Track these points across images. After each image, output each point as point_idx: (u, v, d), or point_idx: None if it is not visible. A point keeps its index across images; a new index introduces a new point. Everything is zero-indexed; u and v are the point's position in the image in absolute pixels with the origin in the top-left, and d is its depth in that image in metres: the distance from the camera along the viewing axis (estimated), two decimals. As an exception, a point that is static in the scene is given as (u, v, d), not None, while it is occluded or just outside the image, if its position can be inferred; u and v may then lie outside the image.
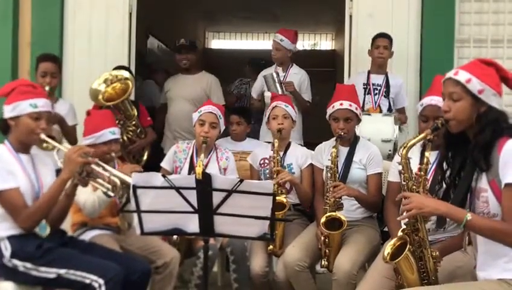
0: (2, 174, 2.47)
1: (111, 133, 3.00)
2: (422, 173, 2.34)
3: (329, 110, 3.11)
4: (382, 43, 4.16)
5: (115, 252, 2.74)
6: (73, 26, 4.61)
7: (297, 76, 4.51)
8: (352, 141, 3.15)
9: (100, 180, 2.56)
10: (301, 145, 3.83)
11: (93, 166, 2.53)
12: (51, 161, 2.71)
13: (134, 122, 4.01)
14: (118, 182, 2.51)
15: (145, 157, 4.20)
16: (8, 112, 2.56)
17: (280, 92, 4.14)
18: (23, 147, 2.60)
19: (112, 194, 2.53)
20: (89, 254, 2.56)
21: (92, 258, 2.52)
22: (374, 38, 4.19)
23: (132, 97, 4.15)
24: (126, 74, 3.88)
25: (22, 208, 2.48)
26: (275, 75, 4.25)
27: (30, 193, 2.53)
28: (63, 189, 2.53)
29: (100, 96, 3.72)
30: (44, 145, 2.66)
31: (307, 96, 4.52)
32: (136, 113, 4.00)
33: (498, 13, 4.54)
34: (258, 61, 5.70)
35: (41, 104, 2.58)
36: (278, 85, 4.22)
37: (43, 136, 2.56)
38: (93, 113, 3.18)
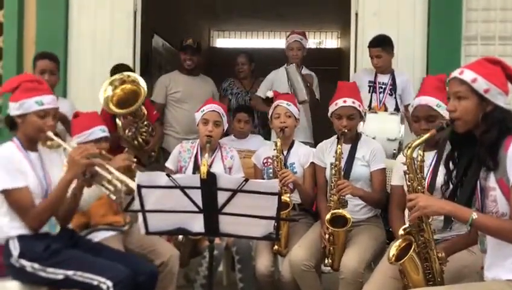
0: (12, 172, 2.45)
1: (101, 130, 3.01)
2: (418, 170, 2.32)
3: (332, 108, 3.08)
4: (373, 53, 4.07)
5: (123, 254, 2.73)
6: (78, 26, 4.61)
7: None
8: (354, 138, 3.13)
9: (105, 183, 2.54)
10: (311, 144, 3.80)
11: (97, 168, 2.50)
12: (59, 157, 2.69)
13: (145, 123, 3.97)
14: (118, 185, 2.47)
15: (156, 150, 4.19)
16: (15, 109, 2.53)
17: (302, 84, 4.11)
18: (31, 144, 2.58)
19: (113, 197, 2.51)
20: (97, 255, 2.54)
21: (100, 260, 2.50)
22: (368, 47, 4.13)
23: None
24: (137, 77, 3.80)
25: (29, 207, 2.46)
26: (294, 66, 4.25)
27: (39, 191, 2.51)
28: (68, 189, 2.51)
29: (111, 105, 3.66)
30: (49, 143, 2.64)
31: (316, 96, 4.59)
32: (146, 112, 3.97)
33: (506, 10, 4.49)
34: None
35: (48, 101, 2.55)
36: (299, 77, 4.20)
37: (50, 133, 2.52)
38: (80, 114, 3.16)
